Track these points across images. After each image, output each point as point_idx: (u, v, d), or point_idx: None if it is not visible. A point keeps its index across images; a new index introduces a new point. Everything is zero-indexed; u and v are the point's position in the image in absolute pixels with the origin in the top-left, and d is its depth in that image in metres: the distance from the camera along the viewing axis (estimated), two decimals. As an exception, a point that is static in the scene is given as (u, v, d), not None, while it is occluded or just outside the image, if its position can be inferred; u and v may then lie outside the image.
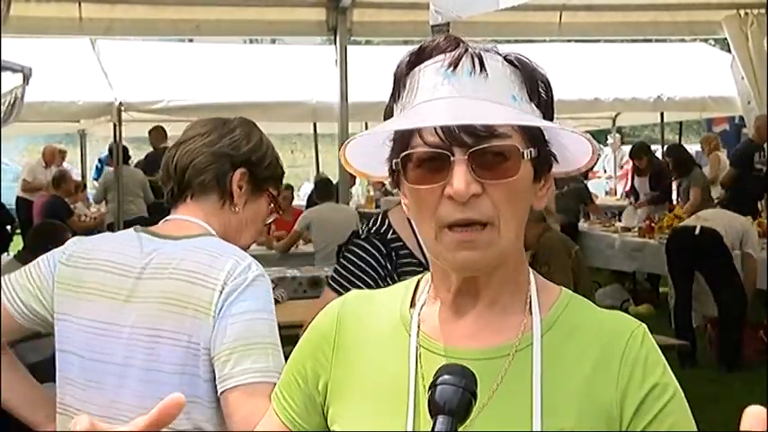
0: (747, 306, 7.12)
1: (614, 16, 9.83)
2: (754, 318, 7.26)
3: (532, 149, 1.20)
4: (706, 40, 13.82)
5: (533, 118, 1.20)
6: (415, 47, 1.25)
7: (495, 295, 1.25)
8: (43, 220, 8.43)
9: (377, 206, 13.11)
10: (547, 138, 1.23)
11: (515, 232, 1.21)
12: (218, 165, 2.02)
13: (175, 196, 2.05)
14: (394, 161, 1.22)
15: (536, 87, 1.23)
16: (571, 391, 1.20)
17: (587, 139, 1.23)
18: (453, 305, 1.27)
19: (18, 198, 13.17)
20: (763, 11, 9.33)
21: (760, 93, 9.55)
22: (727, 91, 10.70)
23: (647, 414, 1.20)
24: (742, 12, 9.72)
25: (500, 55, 1.21)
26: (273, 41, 21.78)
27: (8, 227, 11.16)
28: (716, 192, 10.06)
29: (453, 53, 1.19)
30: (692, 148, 19.57)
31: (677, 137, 16.58)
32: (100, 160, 16.12)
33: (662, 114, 13.59)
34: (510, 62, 1.21)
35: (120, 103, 9.90)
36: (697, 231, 7.03)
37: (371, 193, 14.74)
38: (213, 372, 1.83)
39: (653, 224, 8.95)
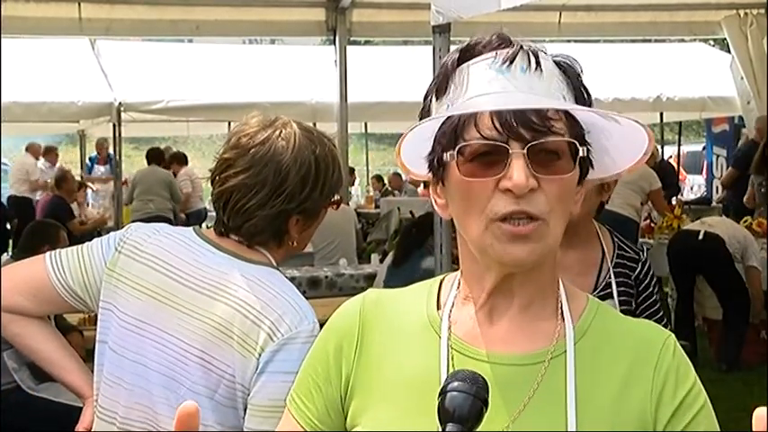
0: (750, 308, 7.14)
1: (613, 16, 9.86)
2: (755, 319, 7.27)
3: (583, 147, 1.19)
4: (705, 41, 13.82)
5: (596, 110, 1.19)
6: (463, 43, 1.24)
7: (529, 298, 1.24)
8: (37, 220, 8.42)
9: (376, 206, 13.12)
10: (588, 140, 1.22)
11: (560, 231, 1.19)
12: (274, 225, 1.92)
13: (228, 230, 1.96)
14: (447, 154, 1.19)
15: (580, 93, 1.23)
16: (605, 400, 1.20)
17: (645, 129, 1.20)
18: (487, 306, 1.25)
19: (11, 197, 13.06)
20: (762, 11, 9.35)
21: (759, 93, 9.56)
22: (727, 91, 10.72)
23: (680, 423, 1.20)
24: (741, 12, 9.74)
25: (549, 56, 1.22)
26: (273, 42, 21.80)
27: (8, 225, 11.14)
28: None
29: (507, 50, 1.19)
30: (690, 147, 19.65)
31: (677, 137, 16.58)
32: (90, 159, 16.12)
33: (661, 114, 13.57)
34: (558, 64, 1.22)
35: (120, 104, 9.92)
36: (701, 237, 7.05)
37: (371, 193, 14.75)
38: (243, 404, 1.82)
39: (652, 224, 8.94)
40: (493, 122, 1.15)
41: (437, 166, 1.22)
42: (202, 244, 1.93)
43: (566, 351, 1.22)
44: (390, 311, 1.32)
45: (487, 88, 1.18)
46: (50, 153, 15.40)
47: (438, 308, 1.29)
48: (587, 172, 1.24)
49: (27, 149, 14.39)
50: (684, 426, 1.20)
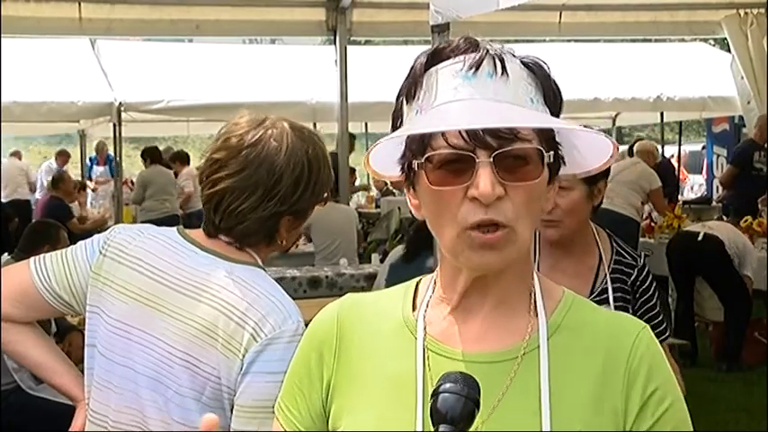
0: (752, 306, 7.16)
1: (614, 16, 9.83)
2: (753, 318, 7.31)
3: (550, 153, 1.20)
4: (706, 40, 13.82)
5: (559, 120, 1.21)
6: (431, 47, 1.25)
7: (503, 295, 1.25)
8: (37, 220, 8.41)
9: (377, 206, 13.11)
10: (558, 140, 1.24)
11: (530, 233, 1.21)
12: (267, 226, 1.91)
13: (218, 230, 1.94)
14: (416, 162, 1.21)
15: (550, 92, 1.24)
16: (579, 393, 1.20)
17: (609, 139, 1.23)
18: (460, 306, 1.26)
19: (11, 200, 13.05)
20: (762, 11, 9.33)
21: (760, 92, 9.55)
22: (727, 91, 10.70)
23: (650, 416, 1.20)
24: (741, 11, 9.72)
25: (516, 57, 1.22)
26: (273, 41, 21.79)
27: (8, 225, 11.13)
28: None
29: (474, 55, 1.20)
30: (690, 147, 19.65)
31: (677, 137, 16.58)
32: (90, 159, 16.10)
33: (662, 114, 13.58)
34: (526, 65, 1.23)
35: (120, 104, 9.91)
36: (700, 237, 7.06)
37: (371, 193, 14.74)
38: (230, 405, 1.81)
39: (653, 223, 8.93)
40: (459, 131, 1.16)
41: (408, 171, 1.24)
42: (186, 245, 1.92)
43: (539, 346, 1.22)
44: (367, 315, 1.33)
45: (455, 95, 1.19)
46: (61, 156, 15.45)
47: (414, 309, 1.31)
48: (558, 170, 1.26)
49: (12, 155, 14.49)
50: (657, 418, 1.20)
